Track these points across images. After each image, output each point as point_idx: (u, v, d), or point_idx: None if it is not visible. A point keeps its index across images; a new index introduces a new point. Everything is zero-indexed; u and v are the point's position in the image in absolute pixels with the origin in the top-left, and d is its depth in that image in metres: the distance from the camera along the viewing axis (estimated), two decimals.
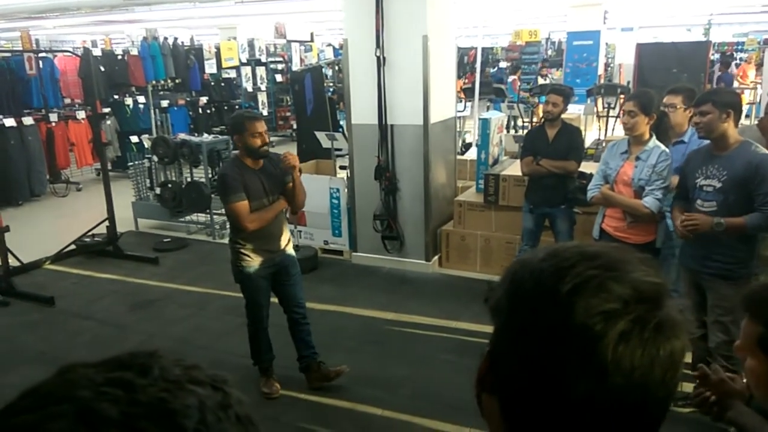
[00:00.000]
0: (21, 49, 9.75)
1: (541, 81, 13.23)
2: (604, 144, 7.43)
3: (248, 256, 3.38)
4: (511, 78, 13.65)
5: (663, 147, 3.36)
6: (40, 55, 9.38)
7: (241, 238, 3.37)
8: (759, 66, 13.93)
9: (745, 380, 1.49)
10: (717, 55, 15.36)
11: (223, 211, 6.96)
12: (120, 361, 0.42)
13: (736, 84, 13.45)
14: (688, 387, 3.37)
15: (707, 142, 3.62)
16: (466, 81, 12.67)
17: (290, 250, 3.56)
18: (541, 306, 0.58)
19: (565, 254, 0.61)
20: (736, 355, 1.40)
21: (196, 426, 0.38)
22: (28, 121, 8.37)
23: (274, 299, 3.59)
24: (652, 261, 0.62)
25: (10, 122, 8.07)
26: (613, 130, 9.09)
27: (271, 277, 3.49)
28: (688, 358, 3.42)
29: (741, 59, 17.56)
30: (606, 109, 8.89)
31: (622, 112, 3.46)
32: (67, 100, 10.17)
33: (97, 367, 0.41)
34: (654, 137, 3.36)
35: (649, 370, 0.56)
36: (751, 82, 13.77)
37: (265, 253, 3.39)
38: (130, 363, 0.41)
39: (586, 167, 4.49)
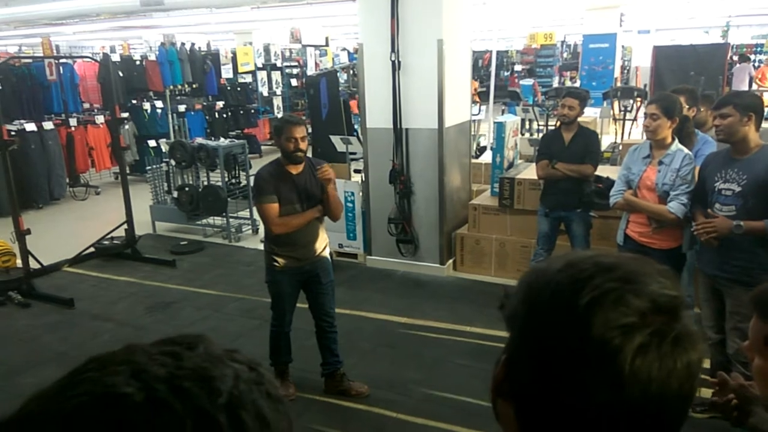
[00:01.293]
0: (42, 55, 9.92)
1: (567, 83, 13.12)
2: (620, 147, 7.37)
3: (276, 261, 3.40)
4: (529, 81, 13.59)
5: (686, 150, 3.32)
6: (61, 60, 9.56)
7: (272, 242, 3.40)
8: None
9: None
10: (736, 58, 15.19)
11: (238, 214, 7.07)
12: (172, 339, 0.49)
13: (754, 86, 13.30)
14: (706, 393, 3.34)
15: (711, 145, 3.58)
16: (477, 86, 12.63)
17: (325, 254, 3.53)
18: (558, 319, 0.59)
19: (581, 265, 0.61)
20: (745, 354, 1.39)
21: (231, 390, 0.43)
22: (48, 125, 8.52)
23: (303, 305, 3.59)
24: (669, 272, 0.62)
25: (30, 127, 8.21)
26: (629, 133, 9.02)
27: (301, 285, 3.50)
28: (706, 364, 3.38)
29: (760, 61, 17.33)
30: (622, 113, 8.82)
31: (644, 115, 3.43)
32: (87, 105, 10.34)
33: (153, 344, 0.48)
34: (677, 141, 3.33)
35: (666, 382, 0.56)
36: None
37: (293, 260, 3.39)
38: (181, 341, 0.48)
39: (603, 171, 4.46)
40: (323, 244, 3.51)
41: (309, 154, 3.48)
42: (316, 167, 3.37)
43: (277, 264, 3.40)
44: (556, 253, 4.50)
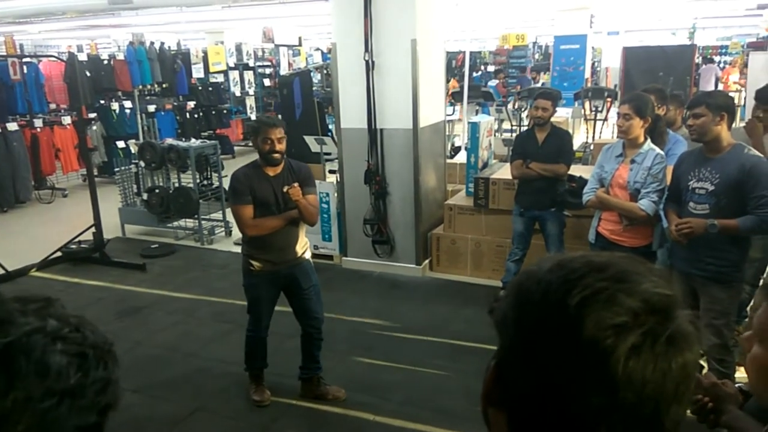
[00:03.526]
0: (5, 54, 9.63)
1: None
2: (592, 147, 7.47)
3: (252, 264, 3.34)
4: (494, 82, 13.70)
5: (658, 150, 3.37)
6: (25, 60, 9.28)
7: (248, 244, 3.35)
8: (742, 69, 14.11)
9: (738, 385, 1.49)
10: (701, 59, 15.55)
11: (211, 216, 6.95)
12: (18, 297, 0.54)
13: (721, 86, 13.63)
14: None
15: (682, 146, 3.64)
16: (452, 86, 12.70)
17: (305, 259, 3.45)
18: (549, 319, 0.57)
19: (572, 265, 0.60)
20: (743, 345, 1.39)
21: (19, 336, 0.48)
22: (12, 126, 8.27)
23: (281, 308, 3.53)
24: (663, 271, 0.61)
25: None
26: (600, 133, 9.15)
27: (279, 290, 3.42)
28: None
29: (725, 63, 17.78)
30: (593, 113, 8.94)
31: (617, 115, 3.47)
32: (53, 106, 10.06)
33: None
34: (649, 140, 3.37)
35: (661, 384, 0.55)
36: (734, 83, 13.96)
37: (269, 264, 3.33)
38: (25, 298, 0.53)
39: (575, 170, 4.51)
40: (303, 248, 3.45)
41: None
42: (295, 169, 3.31)
43: (253, 268, 3.34)
44: (531, 252, 4.54)
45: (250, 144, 3.66)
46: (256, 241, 3.28)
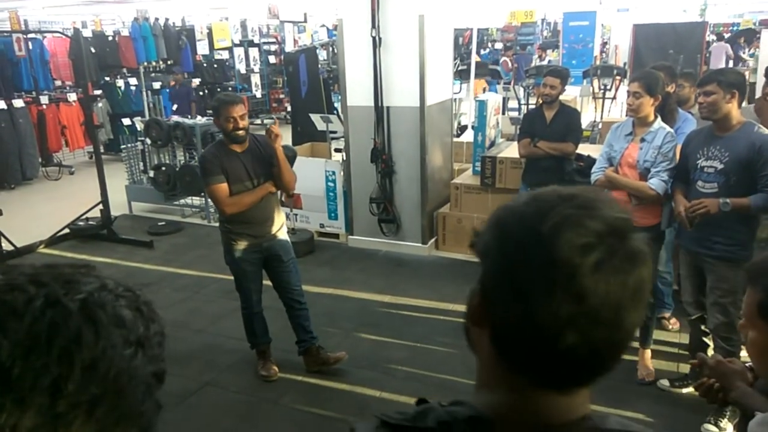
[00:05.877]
0: (9, 29, 9.57)
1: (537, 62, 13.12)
2: (600, 126, 7.40)
3: (233, 240, 3.37)
4: (502, 58, 13.52)
5: (668, 128, 3.32)
6: (30, 36, 9.23)
7: (227, 221, 3.37)
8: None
9: (748, 363, 1.49)
10: (713, 36, 15.30)
11: None
12: (66, 264, 0.57)
13: (731, 63, 13.43)
14: (684, 368, 3.41)
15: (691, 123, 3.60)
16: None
17: (282, 236, 3.50)
18: (525, 244, 0.65)
19: (544, 197, 0.68)
20: (741, 332, 1.40)
21: (91, 292, 0.52)
22: (18, 103, 8.27)
23: (269, 283, 3.57)
24: (620, 201, 0.68)
25: (0, 105, 7.95)
26: (609, 111, 9.06)
27: (261, 263, 3.47)
28: (686, 340, 3.45)
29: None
30: (602, 91, 8.84)
31: (627, 93, 3.42)
32: (58, 83, 10.04)
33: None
34: (659, 119, 3.33)
35: (620, 293, 0.63)
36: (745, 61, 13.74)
37: (250, 238, 3.36)
38: (71, 265, 0.56)
39: (583, 149, 4.47)
40: (280, 224, 3.48)
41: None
42: (261, 142, 3.32)
43: (234, 243, 3.37)
44: None
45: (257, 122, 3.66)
46: (237, 217, 3.30)
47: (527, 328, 0.65)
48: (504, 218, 0.70)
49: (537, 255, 0.64)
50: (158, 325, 0.58)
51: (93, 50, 9.43)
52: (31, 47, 9.03)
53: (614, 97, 9.13)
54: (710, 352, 2.95)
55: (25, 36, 8.98)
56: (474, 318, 0.73)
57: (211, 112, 10.46)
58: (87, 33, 9.73)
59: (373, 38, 5.01)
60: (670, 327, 3.94)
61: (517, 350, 0.68)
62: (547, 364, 0.66)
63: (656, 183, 3.23)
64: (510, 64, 12.47)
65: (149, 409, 0.54)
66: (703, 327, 3.11)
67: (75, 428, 0.47)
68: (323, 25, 15.27)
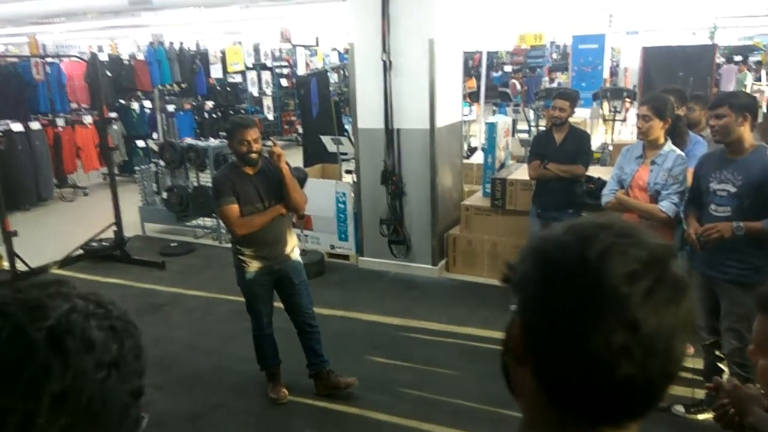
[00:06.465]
0: (28, 54, 9.80)
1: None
2: (610, 148, 7.40)
3: (245, 261, 3.38)
4: (510, 81, 13.60)
5: (679, 151, 3.33)
6: (47, 60, 9.44)
7: (238, 243, 3.39)
8: (759, 68, 13.89)
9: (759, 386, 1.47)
10: (723, 59, 15.32)
11: None
12: (32, 282, 0.56)
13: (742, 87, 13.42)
14: (700, 394, 3.35)
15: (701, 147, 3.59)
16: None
17: (295, 257, 3.52)
18: (571, 273, 0.64)
19: (582, 226, 0.69)
20: (751, 359, 1.39)
21: (59, 318, 0.51)
22: (35, 125, 8.41)
23: (280, 305, 3.58)
24: (653, 226, 0.68)
25: (17, 127, 8.10)
26: (619, 133, 9.06)
27: (273, 285, 3.48)
28: (700, 365, 3.40)
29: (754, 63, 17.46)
30: (612, 113, 8.86)
31: (636, 116, 3.44)
32: (74, 105, 10.22)
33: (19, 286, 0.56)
34: (669, 141, 3.34)
35: (672, 322, 0.63)
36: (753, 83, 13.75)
37: (262, 260, 3.37)
38: (38, 283, 0.56)
39: (593, 171, 4.48)
40: (292, 245, 3.50)
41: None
42: (272, 164, 3.35)
43: (246, 265, 3.39)
44: None
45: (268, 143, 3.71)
46: (248, 239, 3.32)
47: (577, 360, 0.62)
48: (543, 248, 0.69)
49: (585, 283, 0.62)
50: (133, 339, 0.57)
51: (109, 73, 9.61)
52: (48, 71, 9.23)
53: (624, 119, 9.14)
54: (725, 377, 2.90)
55: (43, 60, 9.18)
56: (515, 354, 0.70)
57: (223, 134, 10.57)
58: (103, 57, 9.93)
59: (384, 62, 5.07)
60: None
61: (566, 384, 0.65)
62: (601, 397, 0.63)
63: (667, 206, 3.22)
64: (518, 87, 12.54)
65: (127, 428, 0.54)
66: (717, 352, 3.07)
67: None
68: (335, 49, 15.48)
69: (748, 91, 11.61)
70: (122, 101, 10.03)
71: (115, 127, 9.57)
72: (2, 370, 0.46)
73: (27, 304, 0.52)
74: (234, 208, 3.25)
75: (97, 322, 0.54)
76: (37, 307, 0.51)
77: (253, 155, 3.27)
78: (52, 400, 0.47)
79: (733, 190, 2.85)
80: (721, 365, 3.07)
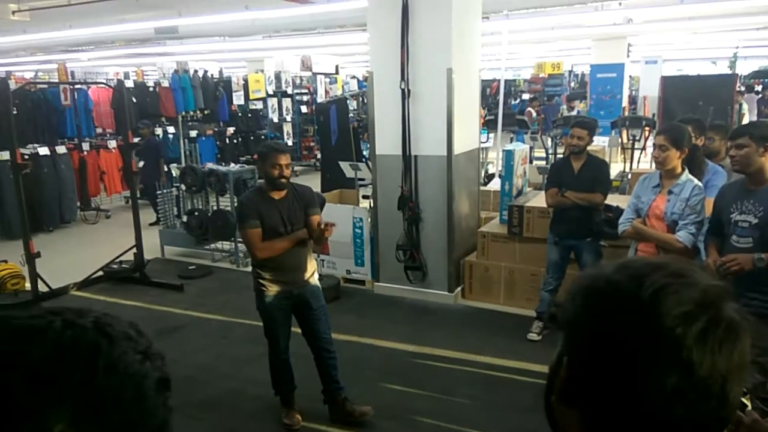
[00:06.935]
0: (57, 80, 10.11)
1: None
2: (629, 176, 7.37)
3: (264, 285, 3.40)
4: (527, 109, 13.65)
5: (696, 181, 3.31)
6: (75, 86, 9.72)
7: (258, 267, 3.41)
8: None
9: None
10: (743, 88, 15.23)
11: None
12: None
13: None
14: None
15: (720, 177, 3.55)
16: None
17: (314, 282, 3.53)
18: (624, 312, 0.63)
19: (635, 265, 0.67)
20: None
21: (98, 316, 0.57)
22: (61, 149, 8.63)
23: (298, 330, 3.58)
24: (707, 266, 0.67)
25: (44, 151, 8.32)
26: (638, 162, 9.02)
27: (291, 309, 3.49)
28: None
29: None
30: (631, 142, 8.84)
31: (653, 145, 3.44)
32: (99, 130, 10.48)
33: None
34: (687, 171, 3.32)
35: (727, 365, 0.61)
36: None
37: (281, 285, 3.39)
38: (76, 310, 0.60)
39: (612, 200, 4.45)
40: (311, 271, 3.51)
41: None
42: (299, 191, 3.43)
43: (265, 289, 3.40)
44: (566, 282, 4.47)
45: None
46: (268, 263, 3.35)
47: (629, 402, 0.61)
48: (594, 286, 0.67)
49: (638, 322, 0.61)
50: (155, 348, 0.63)
51: (134, 100, 9.86)
52: (76, 97, 9.49)
53: (644, 148, 9.11)
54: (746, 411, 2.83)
55: (71, 86, 9.45)
56: (562, 394, 0.68)
57: (244, 159, 10.71)
58: (129, 83, 10.20)
59: (403, 90, 5.14)
60: None
61: (616, 427, 0.63)
62: None
63: (684, 236, 3.20)
64: (534, 115, 12.59)
65: (162, 410, 0.59)
66: None
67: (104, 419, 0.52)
68: (354, 77, 15.73)
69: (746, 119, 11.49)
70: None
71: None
72: (62, 344, 0.53)
73: (71, 309, 0.58)
74: (257, 232, 3.29)
75: (128, 325, 0.60)
76: (80, 311, 0.58)
77: (283, 180, 3.33)
78: (104, 369, 0.53)
79: (754, 221, 2.82)
80: (743, 399, 2.99)
